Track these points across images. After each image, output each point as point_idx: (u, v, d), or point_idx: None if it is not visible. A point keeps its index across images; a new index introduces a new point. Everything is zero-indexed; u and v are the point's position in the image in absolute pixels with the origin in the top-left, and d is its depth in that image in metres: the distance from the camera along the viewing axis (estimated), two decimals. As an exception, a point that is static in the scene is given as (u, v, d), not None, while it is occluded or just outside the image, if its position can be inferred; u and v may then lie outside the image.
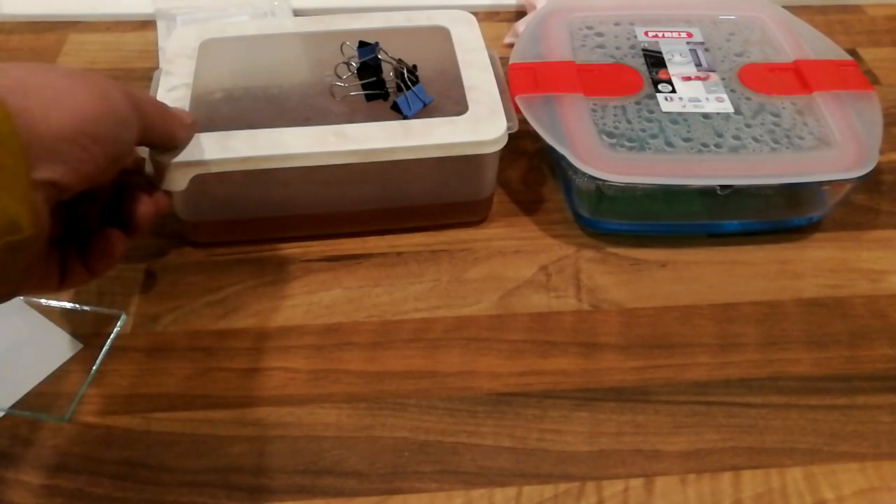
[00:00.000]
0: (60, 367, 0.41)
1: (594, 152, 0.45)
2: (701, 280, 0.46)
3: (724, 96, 0.49)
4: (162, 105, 0.38)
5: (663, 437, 0.39)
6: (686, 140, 0.46)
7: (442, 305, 0.44)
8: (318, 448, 0.38)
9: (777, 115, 0.48)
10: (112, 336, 0.42)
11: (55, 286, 0.35)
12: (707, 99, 0.49)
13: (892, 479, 0.37)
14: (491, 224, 0.49)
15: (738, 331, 0.44)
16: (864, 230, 0.50)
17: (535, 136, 0.47)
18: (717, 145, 0.46)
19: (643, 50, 0.53)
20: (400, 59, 0.47)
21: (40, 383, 0.40)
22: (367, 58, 0.46)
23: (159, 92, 0.45)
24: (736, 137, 0.47)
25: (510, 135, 0.44)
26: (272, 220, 0.47)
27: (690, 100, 0.49)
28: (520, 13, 0.66)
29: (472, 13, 0.52)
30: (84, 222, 0.36)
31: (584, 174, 0.44)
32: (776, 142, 0.47)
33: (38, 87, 0.29)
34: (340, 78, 0.47)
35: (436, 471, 0.37)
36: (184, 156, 0.41)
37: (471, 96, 0.45)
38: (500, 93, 0.46)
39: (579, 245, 0.48)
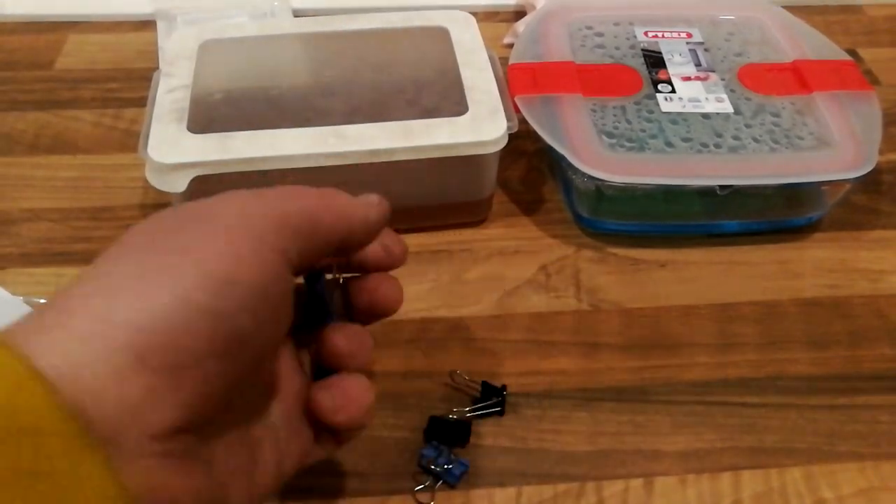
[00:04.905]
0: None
1: (594, 152, 0.45)
2: (700, 280, 0.46)
3: (724, 96, 0.50)
4: (333, 198, 0.28)
5: (663, 437, 0.39)
6: (686, 140, 0.47)
7: (442, 305, 0.44)
8: (318, 448, 0.38)
9: (777, 116, 0.48)
10: (112, 336, 0.42)
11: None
12: (707, 99, 0.49)
13: (892, 479, 0.37)
14: (491, 224, 0.49)
15: (737, 331, 0.44)
16: (864, 230, 0.50)
17: (535, 136, 0.47)
18: (716, 145, 0.46)
19: (643, 50, 0.53)
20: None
21: (40, 384, 0.40)
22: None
23: (158, 93, 0.45)
24: (735, 137, 0.47)
25: (510, 135, 0.44)
26: (272, 221, 0.47)
27: (690, 100, 0.49)
28: (519, 13, 0.66)
29: (471, 13, 0.52)
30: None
31: (583, 174, 0.44)
32: (776, 142, 0.47)
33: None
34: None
35: (436, 471, 0.37)
36: (183, 157, 0.41)
37: (471, 96, 0.45)
38: (500, 93, 0.46)
39: (579, 245, 0.48)
